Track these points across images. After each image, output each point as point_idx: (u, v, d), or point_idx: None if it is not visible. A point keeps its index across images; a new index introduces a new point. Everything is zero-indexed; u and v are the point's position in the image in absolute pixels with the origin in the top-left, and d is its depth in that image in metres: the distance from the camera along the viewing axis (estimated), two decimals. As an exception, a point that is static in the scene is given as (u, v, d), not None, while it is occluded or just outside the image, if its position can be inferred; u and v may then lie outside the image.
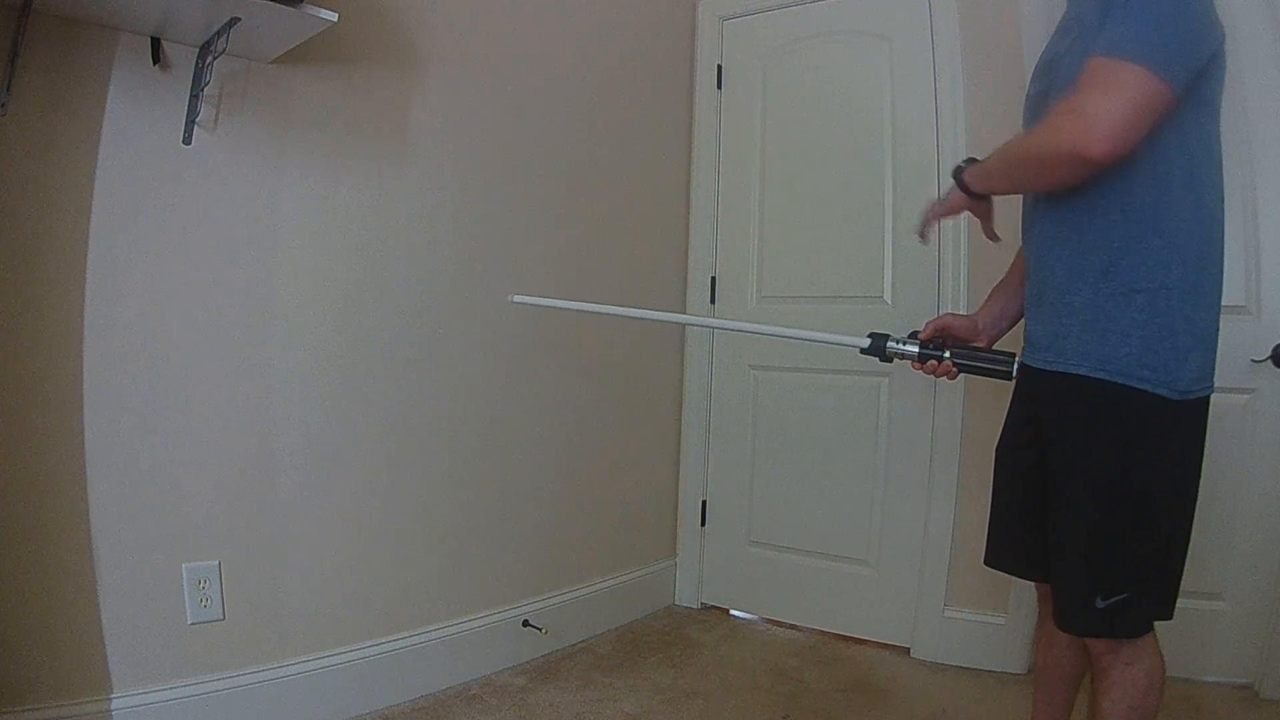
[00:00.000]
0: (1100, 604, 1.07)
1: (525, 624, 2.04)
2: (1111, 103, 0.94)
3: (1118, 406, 1.07)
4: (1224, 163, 1.09)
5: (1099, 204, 1.06)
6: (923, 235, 1.33)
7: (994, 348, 1.30)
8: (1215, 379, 1.11)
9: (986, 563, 1.34)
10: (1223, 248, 1.10)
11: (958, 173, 1.24)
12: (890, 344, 1.25)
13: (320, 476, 1.67)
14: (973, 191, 1.22)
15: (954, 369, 1.22)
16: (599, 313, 1.86)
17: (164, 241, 1.44)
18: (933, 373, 1.24)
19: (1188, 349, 1.06)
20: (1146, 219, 1.04)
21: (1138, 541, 1.08)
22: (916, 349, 1.24)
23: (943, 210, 1.29)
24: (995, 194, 1.24)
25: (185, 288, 1.47)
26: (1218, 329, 1.10)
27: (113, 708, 1.39)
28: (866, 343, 1.26)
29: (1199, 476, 1.12)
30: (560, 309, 1.92)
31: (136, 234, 1.40)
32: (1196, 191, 1.05)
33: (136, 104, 1.38)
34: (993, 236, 1.30)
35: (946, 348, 1.22)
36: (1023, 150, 1.11)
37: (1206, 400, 1.10)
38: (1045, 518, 1.19)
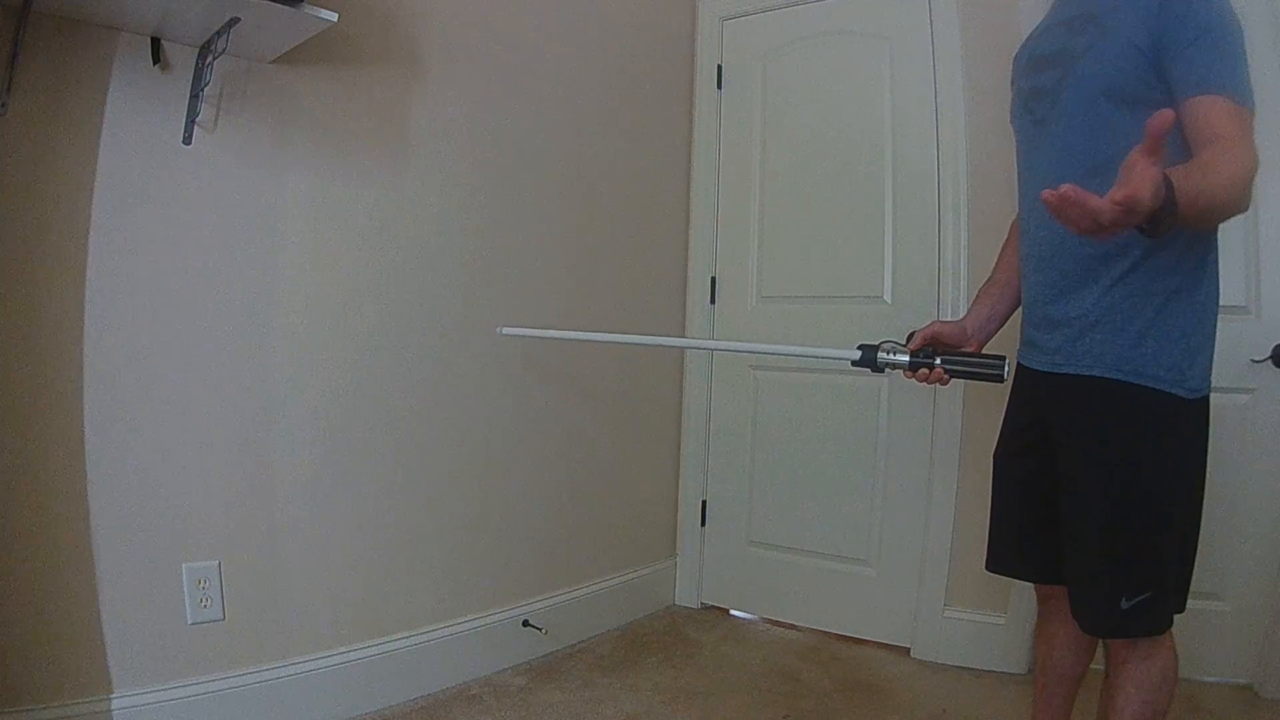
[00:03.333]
0: (1125, 604, 1.08)
1: (525, 624, 2.04)
2: (1254, 155, 0.98)
3: (1135, 407, 1.07)
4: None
5: None
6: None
7: (985, 351, 1.31)
8: (1215, 379, 1.12)
9: (989, 568, 1.34)
10: (1218, 251, 1.11)
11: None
12: (880, 355, 1.25)
13: (321, 476, 1.67)
14: (1165, 221, 0.86)
15: (945, 375, 1.22)
16: (587, 340, 1.89)
17: (164, 241, 1.44)
18: (924, 380, 1.24)
19: (1197, 350, 1.07)
20: None
21: (1158, 540, 1.08)
22: (906, 358, 1.23)
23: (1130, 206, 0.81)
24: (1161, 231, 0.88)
25: (185, 287, 1.47)
26: (1216, 330, 1.11)
27: (113, 708, 1.39)
28: (857, 355, 1.26)
29: (1205, 473, 1.13)
30: (550, 339, 1.94)
31: (136, 234, 1.40)
32: None
33: (136, 104, 1.38)
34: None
35: (937, 354, 1.23)
36: (1220, 193, 0.93)
37: (1208, 400, 1.11)
38: (1052, 522, 1.19)
